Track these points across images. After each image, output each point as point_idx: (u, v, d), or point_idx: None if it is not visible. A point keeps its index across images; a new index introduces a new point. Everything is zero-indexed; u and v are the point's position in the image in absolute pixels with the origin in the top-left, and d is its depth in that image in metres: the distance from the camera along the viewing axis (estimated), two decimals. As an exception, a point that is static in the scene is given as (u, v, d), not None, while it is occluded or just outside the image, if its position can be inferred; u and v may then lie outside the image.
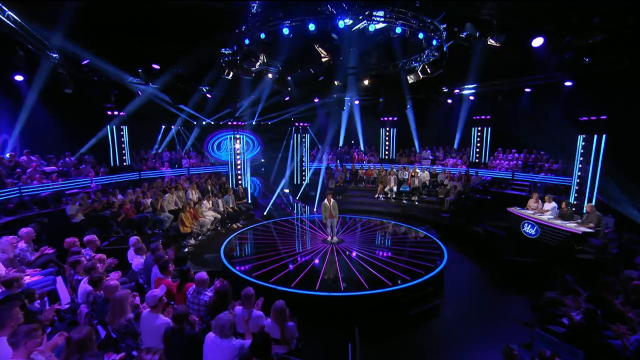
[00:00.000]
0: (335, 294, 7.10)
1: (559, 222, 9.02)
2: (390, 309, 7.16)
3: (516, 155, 15.58)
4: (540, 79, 12.72)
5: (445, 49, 8.82)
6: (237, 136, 15.75)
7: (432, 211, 13.93)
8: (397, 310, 7.16)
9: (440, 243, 10.27)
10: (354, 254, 9.47)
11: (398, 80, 12.37)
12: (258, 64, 9.03)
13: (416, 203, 14.72)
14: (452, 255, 9.44)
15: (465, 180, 14.16)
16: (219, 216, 11.39)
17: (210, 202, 11.35)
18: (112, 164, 14.00)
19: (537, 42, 8.70)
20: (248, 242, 10.65)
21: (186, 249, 9.90)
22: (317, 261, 8.88)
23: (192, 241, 10.11)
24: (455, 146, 18.58)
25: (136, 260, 6.59)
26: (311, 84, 13.61)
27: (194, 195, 11.79)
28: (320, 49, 7.79)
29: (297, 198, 16.83)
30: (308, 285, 7.49)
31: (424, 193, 15.20)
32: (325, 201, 10.18)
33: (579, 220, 8.91)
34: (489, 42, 8.46)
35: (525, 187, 13.99)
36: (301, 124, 17.17)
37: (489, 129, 16.37)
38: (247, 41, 8.36)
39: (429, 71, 9.29)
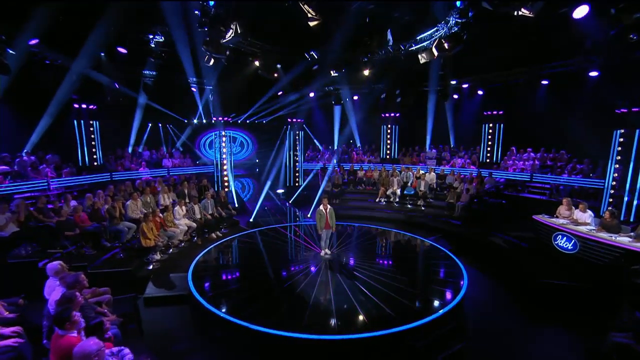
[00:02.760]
0: (326, 337, 5.18)
1: (604, 235, 7.10)
2: (401, 357, 5.25)
3: (532, 154, 13.69)
4: (568, 65, 10.77)
5: (470, 15, 6.94)
6: (223, 133, 13.89)
7: (440, 217, 12.01)
8: (411, 357, 5.25)
9: (455, 259, 8.38)
10: (351, 261, 7.58)
11: (404, 67, 10.45)
12: (229, 34, 7.16)
13: (422, 208, 12.82)
14: (470, 274, 7.54)
15: (478, 182, 12.24)
16: (194, 225, 9.47)
17: (184, 207, 9.43)
18: (80, 164, 12.09)
19: (581, 12, 6.80)
20: (225, 257, 8.75)
21: (150, 266, 7.99)
22: (306, 284, 6.96)
23: (158, 256, 8.20)
24: (452, 145, 16.67)
25: (55, 295, 4.66)
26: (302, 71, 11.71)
27: (166, 199, 9.87)
28: (306, 7, 5.89)
29: (291, 202, 14.93)
30: (292, 320, 5.59)
31: (430, 197, 13.29)
32: (321, 207, 8.28)
33: (632, 234, 6.99)
34: (521, 12, 6.55)
35: (545, 190, 12.08)
36: (295, 119, 15.25)
37: (501, 125, 14.46)
38: (211, 2, 6.49)
39: (446, 47, 7.41)
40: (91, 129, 12.10)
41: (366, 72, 12.89)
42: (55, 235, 7.67)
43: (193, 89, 15.45)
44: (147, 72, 12.05)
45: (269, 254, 8.86)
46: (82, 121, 11.87)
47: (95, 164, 12.29)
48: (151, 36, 9.64)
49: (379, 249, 9.50)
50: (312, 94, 17.25)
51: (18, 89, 10.80)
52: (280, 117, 18.74)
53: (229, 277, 7.52)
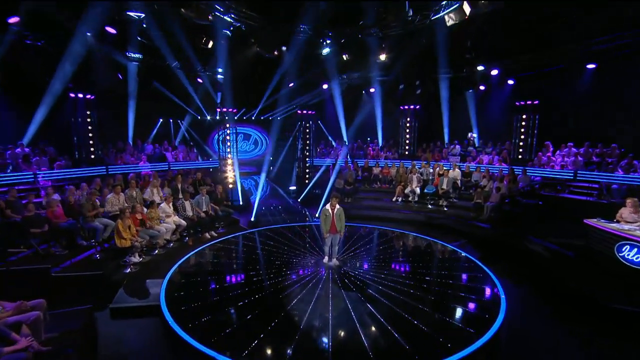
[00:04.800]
0: (314, 381, 3.72)
1: (693, 247, 5.25)
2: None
3: (574, 149, 11.65)
4: (619, 39, 8.80)
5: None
6: (227, 125, 12.69)
7: (466, 219, 10.27)
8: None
9: (486, 269, 6.74)
10: (359, 271, 6.02)
11: (423, 48, 8.82)
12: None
13: (444, 209, 11.09)
14: (506, 290, 5.89)
15: (510, 180, 10.40)
16: (184, 223, 8.23)
17: (170, 204, 8.20)
18: (76, 156, 11.16)
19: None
20: (211, 262, 7.41)
21: (128, 270, 6.79)
22: (300, 299, 5.53)
23: (136, 258, 6.98)
24: (476, 144, 14.73)
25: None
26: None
27: (155, 194, 8.69)
28: None
29: (300, 200, 13.54)
30: (274, 350, 4.17)
31: (453, 196, 11.54)
32: (328, 207, 6.80)
33: None
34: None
35: (592, 189, 10.08)
36: (305, 111, 13.83)
37: (536, 117, 12.46)
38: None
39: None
40: (88, 119, 11.13)
41: (382, 57, 11.35)
42: (22, 232, 6.59)
43: (199, 80, 14.39)
44: (136, 54, 10.86)
45: (263, 259, 7.49)
46: (77, 112, 10.91)
47: (93, 157, 11.31)
48: (142, 15, 8.52)
49: (393, 255, 7.92)
50: (325, 86, 15.84)
51: (11, 78, 10.06)
52: (295, 114, 17.48)
53: (209, 287, 6.15)
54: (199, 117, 17.70)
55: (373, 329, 4.67)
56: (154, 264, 7.17)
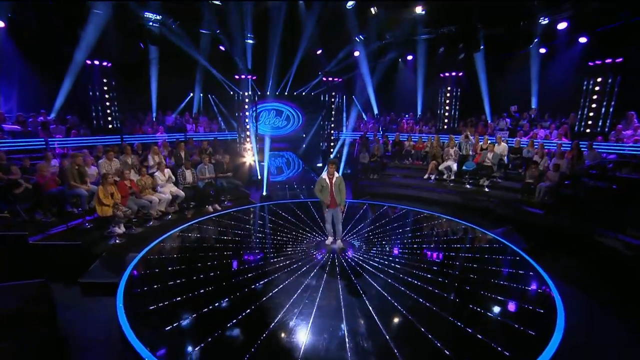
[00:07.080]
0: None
1: None
2: None
3: (669, 119, 8.95)
4: None
5: None
6: (246, 93, 11.66)
7: (511, 202, 8.30)
8: None
9: (536, 265, 5.03)
10: (367, 257, 4.65)
11: None
12: None
13: (486, 189, 9.15)
14: (566, 297, 4.18)
15: (574, 157, 8.17)
16: (182, 194, 7.36)
17: (166, 172, 7.33)
18: (95, 125, 10.83)
19: None
20: (198, 238, 6.39)
21: (112, 241, 6.05)
22: (283, 288, 4.31)
23: (121, 229, 6.23)
24: (533, 115, 12.11)
25: None
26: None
27: (155, 161, 7.88)
28: None
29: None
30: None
31: (497, 174, 9.49)
32: (324, 175, 5.53)
33: None
34: None
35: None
36: (332, 78, 12.27)
37: (617, 79, 9.73)
38: None
39: None
40: (105, 88, 10.66)
41: (418, 9, 9.41)
42: (5, 195, 6.09)
43: (221, 47, 13.38)
44: (150, 14, 9.86)
45: (259, 238, 6.38)
46: (93, 79, 10.46)
47: (110, 126, 10.90)
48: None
49: (417, 241, 6.38)
50: (357, 53, 14.04)
51: (32, 45, 9.77)
52: (326, 88, 15.97)
53: (181, 266, 5.10)
54: (232, 93, 16.87)
55: (367, 341, 3.33)
56: (142, 237, 6.38)
